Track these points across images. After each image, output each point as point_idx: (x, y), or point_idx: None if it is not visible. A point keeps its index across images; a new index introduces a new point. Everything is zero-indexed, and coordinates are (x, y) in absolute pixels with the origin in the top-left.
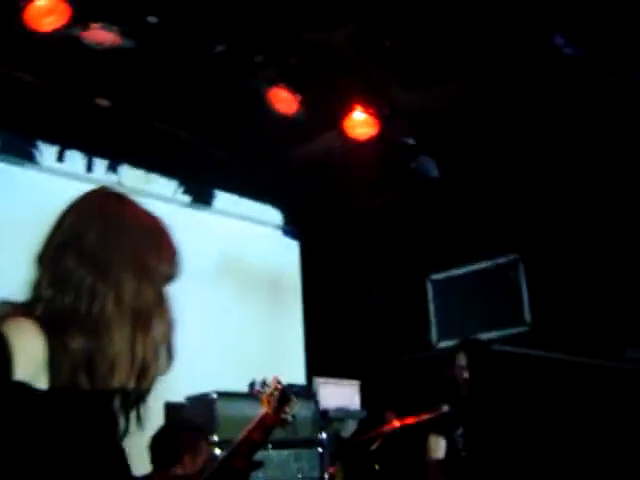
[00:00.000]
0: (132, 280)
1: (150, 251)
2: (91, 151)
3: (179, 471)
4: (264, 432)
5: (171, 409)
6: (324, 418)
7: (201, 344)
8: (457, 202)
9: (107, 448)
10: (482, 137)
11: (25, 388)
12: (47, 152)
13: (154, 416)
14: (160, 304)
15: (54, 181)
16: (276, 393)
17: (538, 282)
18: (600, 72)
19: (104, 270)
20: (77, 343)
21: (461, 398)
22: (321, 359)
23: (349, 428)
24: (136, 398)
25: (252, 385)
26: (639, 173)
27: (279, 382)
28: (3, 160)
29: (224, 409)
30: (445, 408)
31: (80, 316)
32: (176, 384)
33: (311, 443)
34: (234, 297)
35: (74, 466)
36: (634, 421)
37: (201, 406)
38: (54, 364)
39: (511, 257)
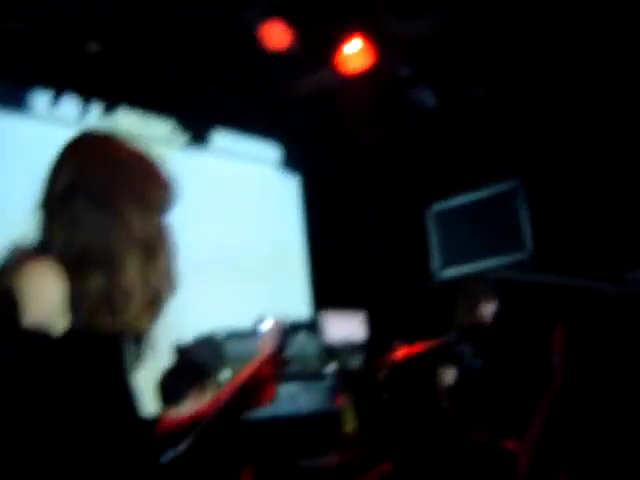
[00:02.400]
0: (137, 213)
1: (147, 184)
2: (84, 95)
3: (185, 409)
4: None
5: (179, 350)
6: (330, 351)
7: (205, 280)
8: (455, 131)
9: (117, 389)
10: (478, 64)
11: (32, 335)
12: (39, 99)
13: (163, 356)
14: (162, 233)
15: (47, 128)
16: (274, 340)
17: (539, 208)
18: None
19: (111, 208)
20: (94, 281)
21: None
22: (326, 292)
23: (356, 360)
24: (145, 334)
25: (259, 322)
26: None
27: (278, 325)
28: None
29: (232, 348)
30: (452, 335)
31: (95, 255)
32: (183, 324)
33: (318, 376)
34: (234, 234)
35: (84, 409)
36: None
37: (209, 346)
38: (74, 304)
39: (511, 184)
